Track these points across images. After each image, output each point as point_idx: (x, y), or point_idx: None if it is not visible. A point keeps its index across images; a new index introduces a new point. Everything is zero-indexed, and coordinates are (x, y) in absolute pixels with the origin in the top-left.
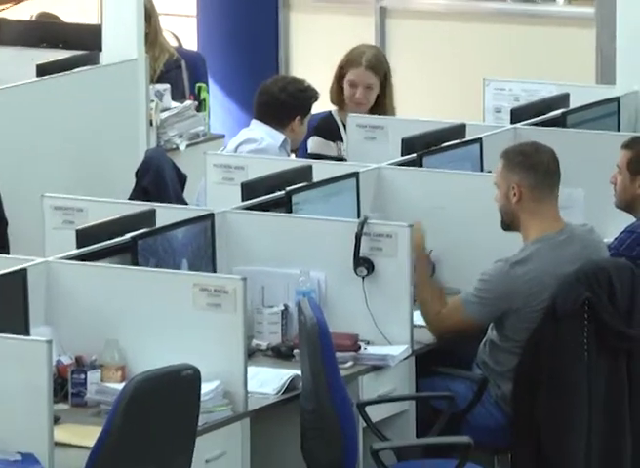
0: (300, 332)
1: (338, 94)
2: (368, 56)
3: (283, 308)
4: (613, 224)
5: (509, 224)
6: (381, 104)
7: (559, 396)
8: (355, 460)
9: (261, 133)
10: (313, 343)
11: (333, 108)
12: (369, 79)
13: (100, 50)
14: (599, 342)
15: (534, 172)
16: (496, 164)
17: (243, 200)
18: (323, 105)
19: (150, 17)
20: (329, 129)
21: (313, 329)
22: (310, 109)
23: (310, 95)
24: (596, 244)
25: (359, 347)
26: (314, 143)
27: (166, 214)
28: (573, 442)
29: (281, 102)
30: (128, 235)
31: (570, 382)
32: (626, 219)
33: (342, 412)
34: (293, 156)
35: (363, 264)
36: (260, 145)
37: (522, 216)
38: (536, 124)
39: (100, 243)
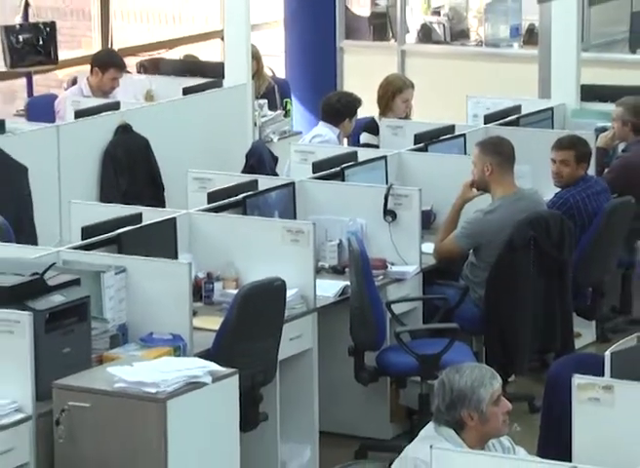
0: (349, 257)
1: (385, 106)
2: (408, 80)
3: (339, 242)
4: (548, 189)
5: (483, 188)
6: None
7: (514, 300)
8: (384, 339)
9: (325, 130)
10: (358, 264)
11: (375, 114)
12: (412, 94)
13: (223, 77)
14: (540, 265)
15: (499, 155)
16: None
17: (313, 173)
18: (366, 112)
19: (257, 58)
20: (373, 128)
21: (358, 255)
22: (356, 112)
23: (355, 103)
24: (539, 201)
25: (387, 267)
26: (364, 137)
27: (264, 182)
28: (523, 327)
29: (337, 109)
30: (240, 196)
31: (521, 290)
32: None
33: (376, 308)
34: (345, 143)
35: (389, 214)
36: (325, 138)
37: (491, 183)
38: (500, 124)
39: (222, 200)
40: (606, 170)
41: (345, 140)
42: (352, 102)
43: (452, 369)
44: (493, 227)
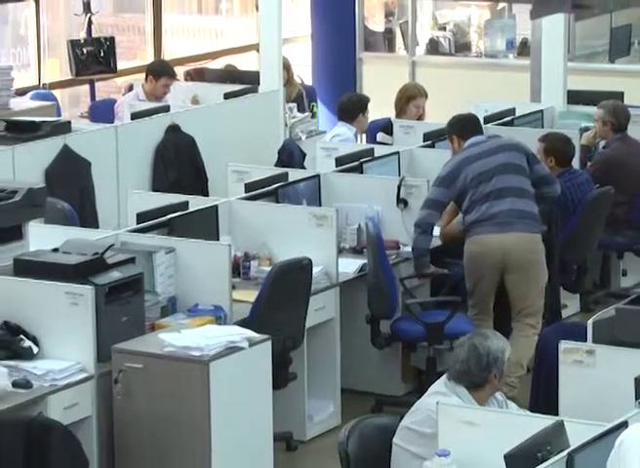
0: (367, 239)
1: (401, 109)
2: (422, 89)
3: (358, 226)
4: None
5: None
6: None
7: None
8: (396, 309)
9: (344, 129)
10: (374, 245)
11: (392, 116)
12: (425, 102)
13: (259, 84)
14: None
15: None
16: None
17: (336, 166)
18: (384, 113)
19: (287, 68)
20: (388, 128)
21: (374, 237)
22: (366, 107)
23: (364, 100)
24: None
25: (399, 247)
26: (380, 136)
27: (294, 174)
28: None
29: (348, 107)
30: (273, 186)
31: None
32: None
33: (390, 283)
34: (363, 140)
35: (402, 202)
36: (343, 137)
37: None
38: (497, 125)
39: (257, 190)
40: (589, 164)
41: (364, 138)
42: (361, 99)
43: (477, 336)
44: None
